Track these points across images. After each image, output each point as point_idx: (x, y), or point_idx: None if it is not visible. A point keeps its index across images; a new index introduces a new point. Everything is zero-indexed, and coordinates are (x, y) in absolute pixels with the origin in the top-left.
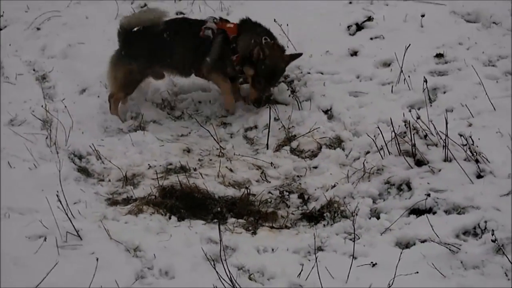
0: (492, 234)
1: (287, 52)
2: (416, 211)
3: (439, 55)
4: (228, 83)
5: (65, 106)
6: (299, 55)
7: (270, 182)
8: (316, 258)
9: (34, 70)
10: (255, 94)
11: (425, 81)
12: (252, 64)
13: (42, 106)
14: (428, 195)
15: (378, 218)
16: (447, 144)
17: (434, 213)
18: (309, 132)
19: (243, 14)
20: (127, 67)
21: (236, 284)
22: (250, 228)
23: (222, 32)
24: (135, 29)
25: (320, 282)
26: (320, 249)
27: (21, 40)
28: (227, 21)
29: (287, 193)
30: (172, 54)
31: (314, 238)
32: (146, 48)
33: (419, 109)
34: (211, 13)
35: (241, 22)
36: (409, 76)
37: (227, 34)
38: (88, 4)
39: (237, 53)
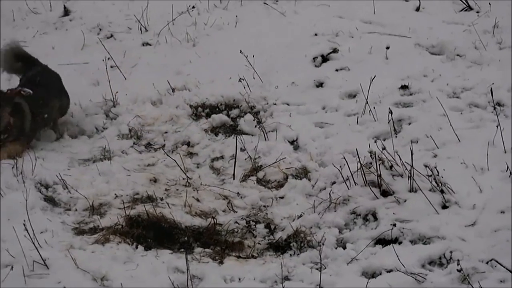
0: (458, 264)
1: None
2: (382, 241)
3: (404, 87)
4: None
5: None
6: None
7: (236, 212)
8: None
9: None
10: None
11: (390, 112)
12: None
13: None
14: (394, 225)
15: (344, 248)
16: (412, 175)
17: (400, 243)
18: (275, 162)
19: (209, 45)
20: None
21: None
22: (217, 257)
23: None
24: None
25: None
26: (287, 278)
27: None
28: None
29: (254, 223)
30: None
31: (281, 268)
32: None
33: (384, 140)
34: (178, 44)
35: None
36: (374, 107)
37: None
38: (54, 34)
39: None
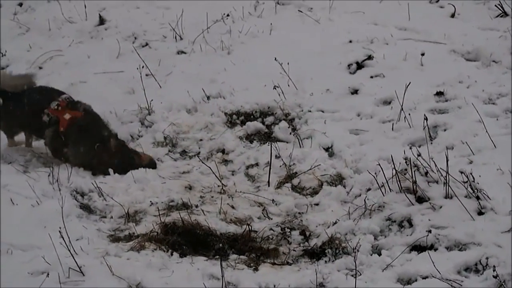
0: (494, 270)
1: None
2: (418, 248)
3: (439, 93)
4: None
5: None
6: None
7: (271, 219)
8: None
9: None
10: None
11: (426, 118)
12: None
13: None
14: (430, 231)
15: (379, 254)
16: (448, 181)
17: (436, 249)
18: (310, 169)
19: (244, 53)
20: None
21: None
22: (252, 264)
23: (56, 122)
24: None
25: None
26: (321, 285)
27: None
28: (74, 107)
29: (289, 230)
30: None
31: (316, 274)
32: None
33: (419, 146)
34: (213, 52)
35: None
36: (409, 114)
37: (59, 125)
38: (89, 43)
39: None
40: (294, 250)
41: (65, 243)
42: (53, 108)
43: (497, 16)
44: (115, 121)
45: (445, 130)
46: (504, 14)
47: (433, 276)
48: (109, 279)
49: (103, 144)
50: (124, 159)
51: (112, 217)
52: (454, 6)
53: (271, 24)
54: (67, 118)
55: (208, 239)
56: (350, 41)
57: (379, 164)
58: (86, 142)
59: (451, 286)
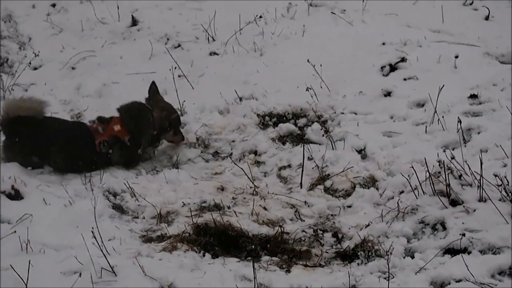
0: None
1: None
2: (451, 251)
3: (473, 96)
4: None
5: None
6: None
7: (304, 220)
8: None
9: (69, 109)
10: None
11: (459, 121)
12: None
13: None
14: (463, 235)
15: (412, 257)
16: (482, 184)
17: (469, 253)
18: (343, 171)
19: (276, 55)
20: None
21: None
22: (284, 266)
23: (116, 140)
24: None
25: None
26: (354, 287)
27: (56, 79)
28: (108, 121)
29: (321, 232)
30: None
31: (349, 277)
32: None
33: (453, 149)
34: (245, 54)
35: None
36: (443, 117)
37: (121, 140)
38: (122, 44)
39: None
40: (326, 252)
41: (98, 243)
42: (101, 132)
43: None
44: None
45: (479, 133)
46: None
47: (466, 280)
48: (141, 280)
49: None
50: None
51: (144, 218)
52: (488, 8)
53: (303, 25)
54: (120, 128)
55: (240, 240)
56: (383, 43)
57: (412, 167)
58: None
59: None
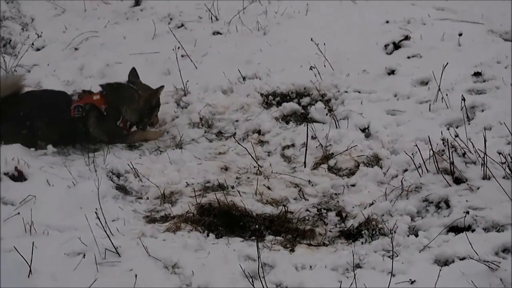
0: None
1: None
2: (455, 229)
3: (477, 74)
4: (135, 134)
5: None
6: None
7: (307, 200)
8: (355, 275)
9: (72, 90)
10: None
11: (463, 99)
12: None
13: None
14: (467, 212)
15: (416, 235)
16: (485, 162)
17: (473, 230)
18: (347, 150)
19: (280, 34)
20: None
21: None
22: (288, 245)
23: (93, 107)
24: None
25: None
26: (358, 266)
27: (59, 60)
28: (90, 93)
29: (325, 211)
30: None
31: (353, 256)
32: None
33: (457, 127)
34: (248, 33)
35: (104, 90)
36: (446, 95)
37: (97, 107)
38: (125, 24)
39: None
40: (330, 231)
41: (101, 224)
42: (77, 99)
43: None
44: None
45: (482, 110)
46: None
47: (470, 257)
48: (146, 260)
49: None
50: None
51: (148, 198)
52: None
53: (307, 4)
54: (98, 97)
55: (244, 220)
56: (387, 22)
57: (416, 145)
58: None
59: (489, 267)
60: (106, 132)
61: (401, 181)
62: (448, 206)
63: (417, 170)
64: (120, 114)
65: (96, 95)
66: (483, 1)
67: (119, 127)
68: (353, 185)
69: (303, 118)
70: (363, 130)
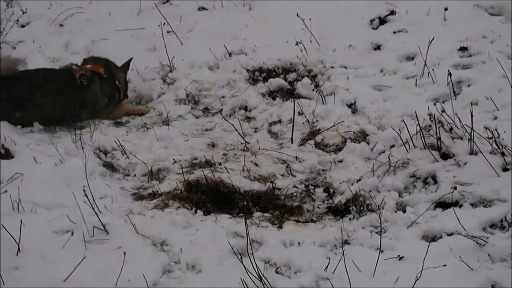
0: None
1: None
2: (443, 205)
3: (463, 49)
4: (123, 106)
5: None
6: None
7: (295, 176)
8: (343, 252)
9: (58, 66)
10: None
11: (450, 74)
12: None
13: None
14: (455, 188)
15: (404, 211)
16: (472, 137)
17: (461, 206)
18: (334, 126)
19: (266, 9)
20: None
21: (263, 278)
22: (276, 222)
23: (93, 73)
24: None
25: (348, 275)
26: (346, 242)
27: (44, 37)
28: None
29: (313, 187)
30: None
31: (341, 232)
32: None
33: (443, 102)
34: (234, 8)
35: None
36: (433, 70)
37: (97, 72)
38: (110, 1)
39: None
40: (318, 208)
41: (89, 201)
42: (77, 68)
43: None
44: (137, 78)
45: (469, 85)
46: None
47: (458, 233)
48: (134, 237)
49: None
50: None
51: (135, 175)
52: None
53: None
54: (94, 65)
55: (231, 196)
56: None
57: (403, 120)
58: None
59: (477, 242)
60: (107, 96)
61: (388, 156)
62: (435, 181)
63: (404, 146)
64: (114, 77)
65: (88, 64)
66: None
67: (119, 87)
68: (340, 161)
69: (289, 94)
70: (349, 106)
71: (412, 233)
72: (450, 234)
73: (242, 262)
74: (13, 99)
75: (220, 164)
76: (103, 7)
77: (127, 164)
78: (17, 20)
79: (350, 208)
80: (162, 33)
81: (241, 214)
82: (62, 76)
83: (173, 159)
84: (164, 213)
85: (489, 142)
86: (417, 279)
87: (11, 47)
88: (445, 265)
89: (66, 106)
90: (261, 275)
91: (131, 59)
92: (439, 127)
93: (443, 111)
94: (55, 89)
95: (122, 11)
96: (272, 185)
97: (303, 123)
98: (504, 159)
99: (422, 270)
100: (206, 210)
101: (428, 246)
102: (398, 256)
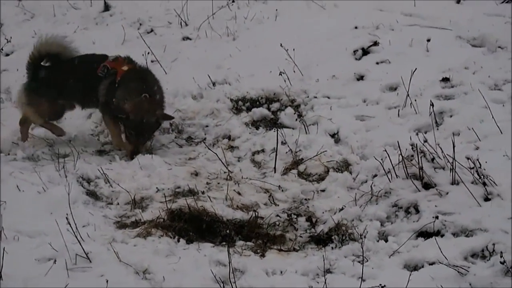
0: (501, 256)
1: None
2: (424, 234)
3: (445, 79)
4: (115, 126)
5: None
6: (171, 117)
7: (278, 205)
8: (325, 281)
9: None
10: (129, 146)
11: (432, 105)
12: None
13: None
14: (436, 217)
15: (386, 240)
16: (454, 167)
17: (442, 235)
18: (316, 155)
19: (249, 39)
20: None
21: None
22: (258, 250)
23: (114, 73)
24: (44, 64)
25: None
26: (328, 271)
27: None
28: (130, 62)
29: (295, 216)
30: (76, 90)
31: (323, 261)
32: (53, 83)
33: (426, 132)
34: (218, 38)
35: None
36: (415, 100)
37: (116, 76)
38: (95, 30)
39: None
40: (300, 237)
41: (72, 229)
42: (111, 60)
43: (502, 2)
44: None
45: (451, 116)
46: (510, 0)
47: (440, 262)
48: (116, 266)
49: (150, 95)
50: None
51: (118, 204)
52: None
53: (276, 10)
54: (125, 69)
55: (214, 225)
56: (356, 27)
57: (386, 150)
58: (135, 91)
59: (458, 272)
60: (105, 96)
61: (371, 186)
62: (417, 211)
63: (387, 175)
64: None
65: (128, 65)
66: (451, 7)
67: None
68: (323, 191)
69: (273, 123)
70: (332, 136)
71: (394, 262)
72: (432, 263)
73: None
74: (59, 80)
75: (203, 192)
76: (87, 36)
77: (110, 192)
78: (1, 49)
79: (333, 237)
80: (146, 62)
81: (224, 243)
82: (97, 60)
83: (156, 188)
84: (147, 241)
85: (471, 172)
86: None
87: None
88: None
89: (86, 91)
90: None
91: (172, 118)
92: (421, 157)
93: (425, 141)
94: (82, 71)
95: (106, 40)
96: (255, 214)
97: (286, 152)
98: (486, 189)
99: None
100: (189, 238)
101: (410, 275)
102: (380, 285)
